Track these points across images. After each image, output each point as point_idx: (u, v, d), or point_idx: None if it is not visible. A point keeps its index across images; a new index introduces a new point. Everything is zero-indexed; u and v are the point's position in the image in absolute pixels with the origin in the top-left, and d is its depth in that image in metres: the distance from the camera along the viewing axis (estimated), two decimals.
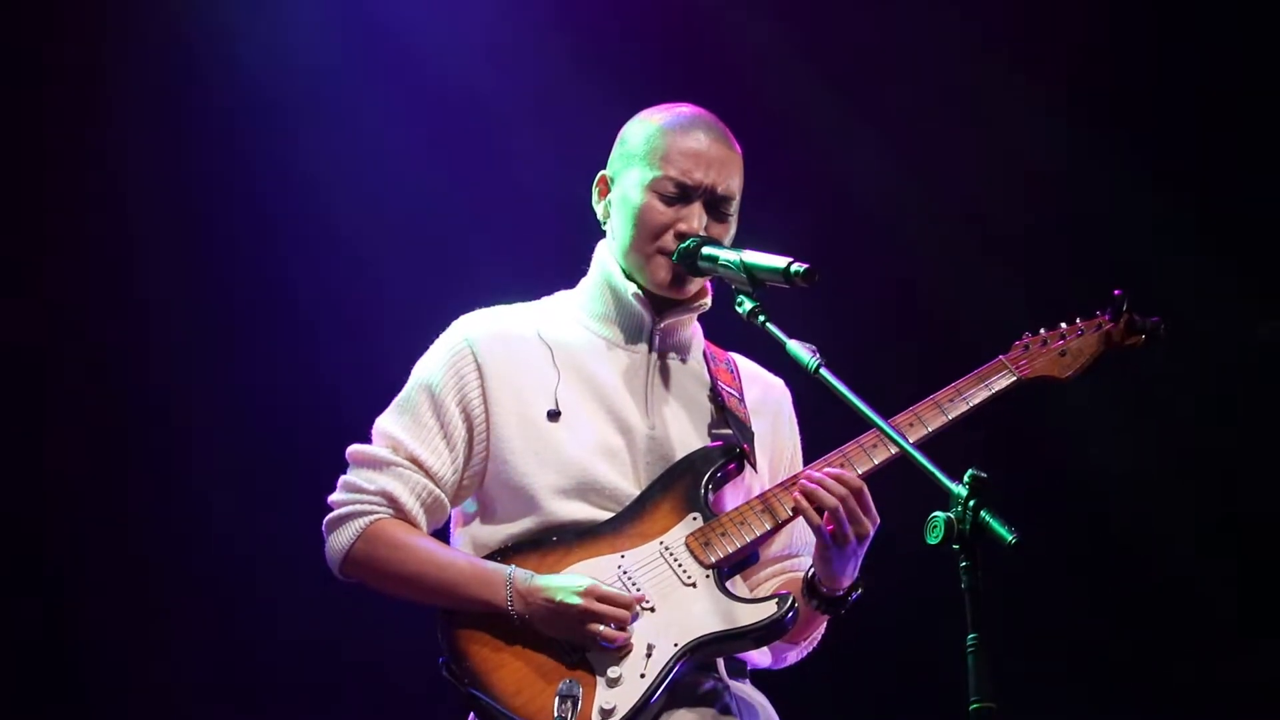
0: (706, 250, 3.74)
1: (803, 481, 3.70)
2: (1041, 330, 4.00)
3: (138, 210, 6.01)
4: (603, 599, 3.60)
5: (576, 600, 3.59)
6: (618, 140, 3.95)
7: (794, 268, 3.56)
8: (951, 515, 3.07)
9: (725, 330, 3.88)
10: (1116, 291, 3.98)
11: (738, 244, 3.80)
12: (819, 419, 3.93)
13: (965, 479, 3.10)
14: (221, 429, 5.98)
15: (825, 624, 3.89)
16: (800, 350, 3.51)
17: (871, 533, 3.67)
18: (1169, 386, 5.88)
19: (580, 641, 3.60)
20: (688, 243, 3.77)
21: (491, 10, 6.20)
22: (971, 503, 3.06)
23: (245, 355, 6.00)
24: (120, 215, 5.99)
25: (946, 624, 3.10)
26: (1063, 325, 4.00)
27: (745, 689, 3.79)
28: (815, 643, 3.94)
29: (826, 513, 3.65)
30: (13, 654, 5.79)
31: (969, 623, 2.99)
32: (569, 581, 3.62)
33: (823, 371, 3.46)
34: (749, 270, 3.62)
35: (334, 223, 6.08)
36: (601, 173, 3.95)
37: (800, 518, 3.74)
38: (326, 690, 5.89)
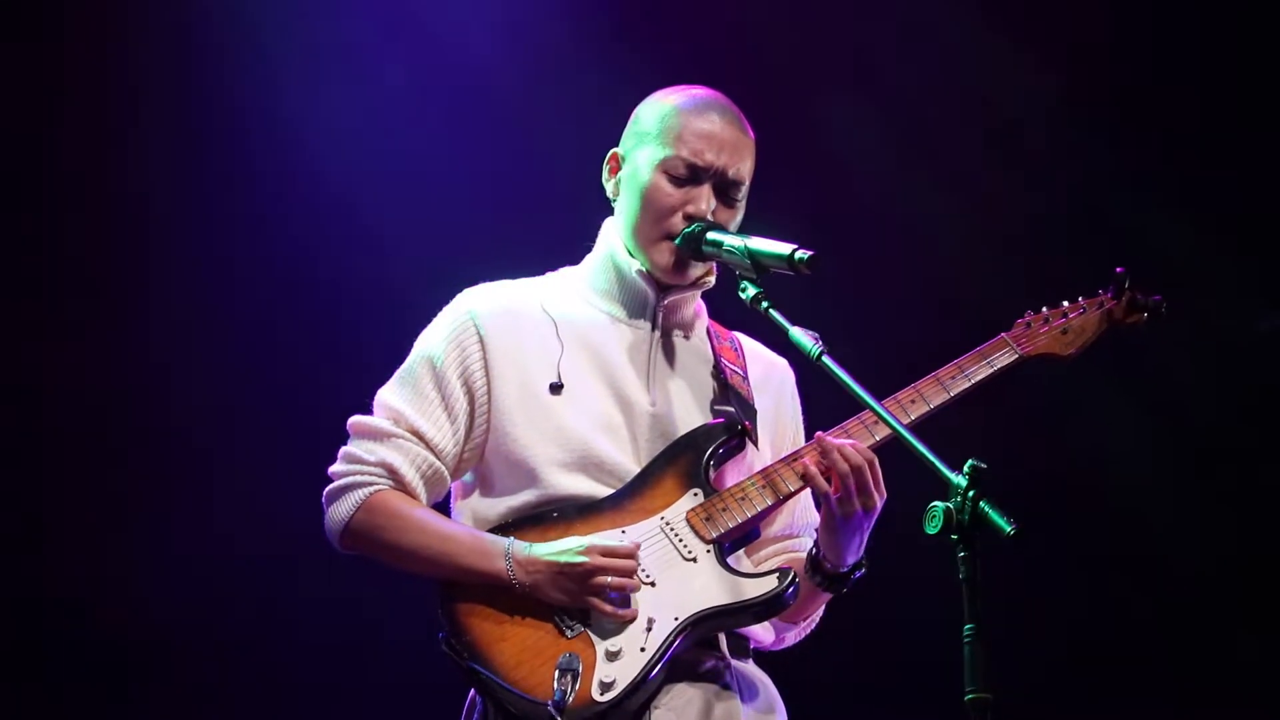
0: (711, 235, 3.74)
1: (819, 438, 3.70)
2: (1044, 308, 4.01)
3: (139, 199, 6.03)
4: (606, 553, 3.60)
5: (580, 558, 3.59)
6: (631, 118, 3.94)
7: (798, 254, 3.56)
8: (950, 505, 3.08)
9: (730, 311, 3.88)
10: (1119, 269, 3.98)
11: (744, 229, 3.80)
12: (821, 404, 3.93)
13: (965, 469, 3.11)
14: (222, 403, 5.99)
15: (824, 605, 3.90)
16: (802, 337, 3.52)
17: (878, 507, 3.68)
18: (1171, 378, 5.90)
19: (585, 601, 3.60)
20: (692, 227, 3.76)
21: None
22: (971, 493, 3.08)
23: (245, 330, 6.01)
24: (122, 212, 6.01)
25: (947, 609, 3.11)
26: (1065, 303, 4.02)
27: (747, 667, 3.80)
28: (813, 624, 3.96)
29: (836, 481, 3.65)
30: (14, 654, 5.83)
31: (966, 612, 3.01)
32: (567, 543, 3.62)
33: (825, 359, 3.47)
34: (753, 256, 3.62)
35: (337, 197, 6.07)
36: (613, 150, 3.94)
37: (802, 495, 3.77)
38: (326, 668, 5.93)
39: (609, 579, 3.58)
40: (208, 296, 6.03)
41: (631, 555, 3.61)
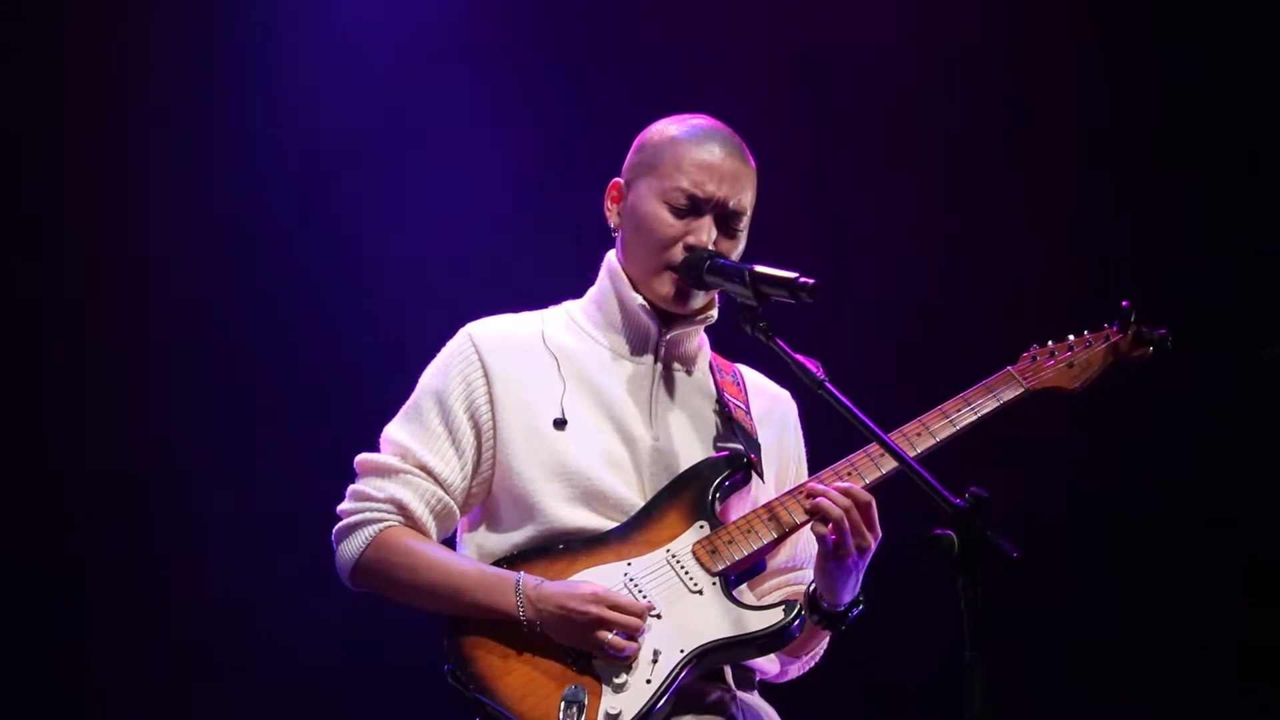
0: (712, 264, 3.74)
1: (812, 486, 3.72)
2: (1049, 342, 4.02)
3: (146, 212, 6.04)
4: (614, 606, 3.60)
5: (588, 607, 3.59)
6: (633, 148, 3.95)
7: (799, 282, 3.56)
8: (952, 533, 3.09)
9: (732, 342, 3.88)
10: (1124, 303, 3.99)
11: (746, 259, 3.80)
12: (826, 436, 3.94)
13: (966, 496, 3.12)
14: (227, 438, 6.00)
15: (827, 639, 3.89)
16: (804, 366, 3.53)
17: (873, 546, 3.67)
18: (1173, 405, 5.90)
19: (588, 649, 3.60)
20: (693, 256, 3.77)
21: (505, 16, 6.23)
22: (972, 521, 3.09)
23: (253, 362, 6.02)
24: (125, 215, 6.02)
25: (952, 637, 3.10)
26: (1070, 337, 4.02)
27: (753, 699, 3.80)
28: (816, 658, 3.95)
29: (830, 523, 3.66)
30: (16, 670, 5.83)
31: (967, 639, 3.01)
32: (579, 588, 3.63)
33: (827, 387, 3.48)
34: (755, 284, 3.61)
35: (344, 230, 6.10)
36: (615, 179, 3.95)
37: (807, 528, 3.75)
38: (331, 698, 5.93)
39: (612, 635, 3.59)
40: (207, 335, 6.04)
41: (641, 614, 3.61)
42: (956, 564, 3.07)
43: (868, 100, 6.22)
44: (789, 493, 3.78)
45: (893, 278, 6.15)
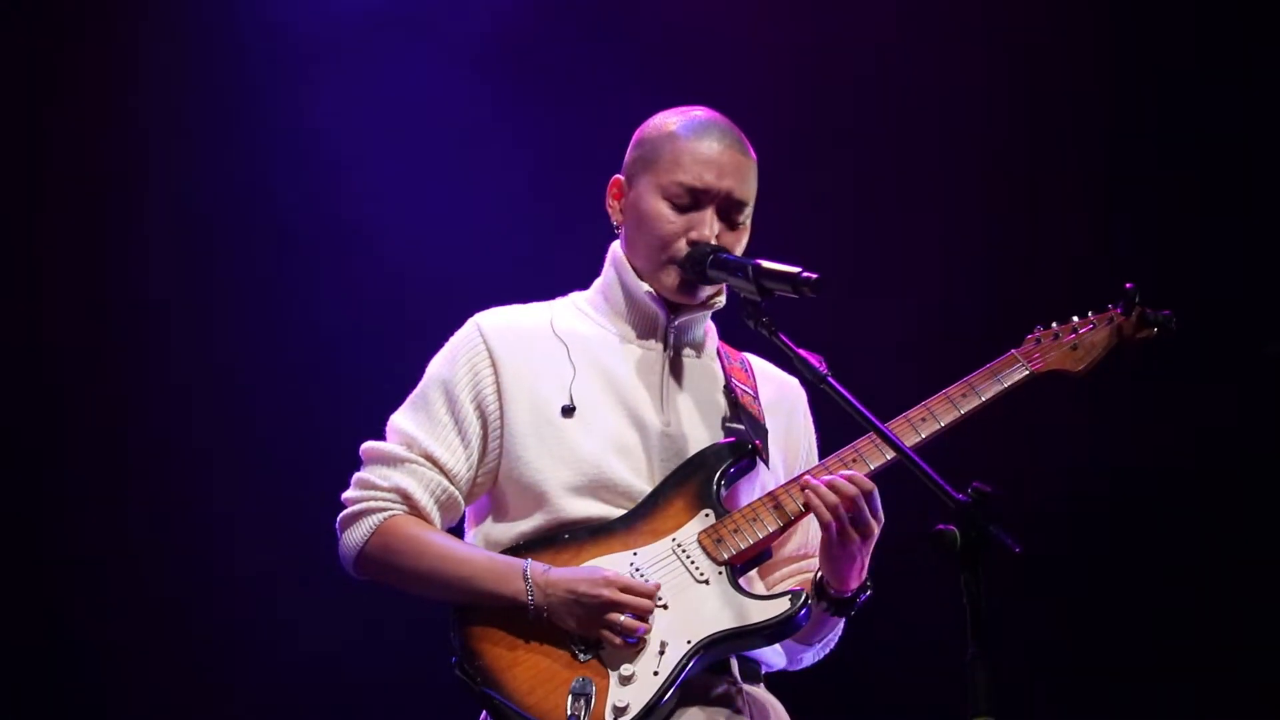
0: (715, 259, 3.73)
1: (807, 479, 3.72)
2: (1053, 324, 3.99)
3: (146, 206, 6.05)
4: (625, 589, 3.60)
5: (599, 590, 3.60)
6: (632, 143, 3.94)
7: (803, 277, 3.55)
8: (955, 528, 3.09)
9: (739, 333, 3.87)
10: (1128, 285, 3.97)
11: (750, 253, 3.80)
12: (837, 423, 3.94)
13: (969, 492, 3.12)
14: (232, 427, 6.00)
15: (841, 625, 3.88)
16: (807, 360, 3.52)
17: (876, 532, 3.68)
18: (1176, 400, 5.89)
19: (598, 634, 3.60)
20: (697, 251, 3.76)
21: (505, 15, 6.22)
22: (975, 516, 3.09)
23: (257, 352, 6.02)
24: (126, 213, 6.02)
25: (959, 631, 3.11)
26: (1074, 319, 4.00)
27: (759, 692, 3.80)
28: (831, 644, 3.94)
29: (830, 511, 3.66)
30: (17, 656, 5.84)
31: (970, 635, 3.02)
32: (590, 572, 3.63)
33: (829, 382, 3.48)
34: (758, 279, 3.61)
35: (351, 219, 6.09)
36: (616, 176, 3.94)
37: (813, 514, 3.76)
38: (336, 692, 5.94)
39: (623, 617, 3.60)
40: (209, 328, 6.04)
41: (650, 595, 3.62)
42: (959, 560, 3.07)
43: (866, 94, 6.21)
44: (794, 480, 3.78)
45: (897, 269, 6.16)
